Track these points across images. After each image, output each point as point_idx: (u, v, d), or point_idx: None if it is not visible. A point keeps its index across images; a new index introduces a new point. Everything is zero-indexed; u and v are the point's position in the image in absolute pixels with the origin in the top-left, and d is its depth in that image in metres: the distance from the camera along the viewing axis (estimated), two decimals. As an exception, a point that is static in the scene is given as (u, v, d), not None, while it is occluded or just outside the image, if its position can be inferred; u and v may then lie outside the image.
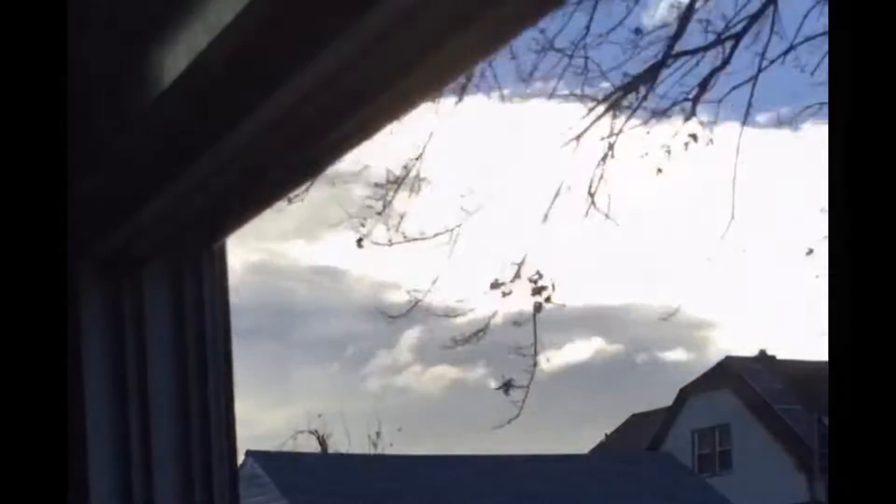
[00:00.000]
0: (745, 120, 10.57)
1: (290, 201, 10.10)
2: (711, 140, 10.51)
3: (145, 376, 1.68)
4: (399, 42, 1.17)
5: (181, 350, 1.70)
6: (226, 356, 1.72)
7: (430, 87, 1.33)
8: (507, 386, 11.76)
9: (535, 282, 10.77)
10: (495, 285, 10.89)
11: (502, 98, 10.50)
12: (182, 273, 1.72)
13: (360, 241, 11.01)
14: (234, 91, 1.32)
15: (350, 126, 1.33)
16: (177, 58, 1.43)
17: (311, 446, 32.17)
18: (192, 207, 1.55)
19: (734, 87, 10.44)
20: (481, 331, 11.58)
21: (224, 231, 1.68)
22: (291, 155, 1.40)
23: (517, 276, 10.82)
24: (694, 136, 10.37)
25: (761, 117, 16.58)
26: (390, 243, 11.03)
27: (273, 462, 24.77)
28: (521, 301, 11.08)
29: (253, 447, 25.15)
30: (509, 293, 10.94)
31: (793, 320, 39.79)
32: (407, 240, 11.05)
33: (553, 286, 10.77)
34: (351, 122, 1.33)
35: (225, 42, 1.28)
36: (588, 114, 10.39)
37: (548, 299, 10.84)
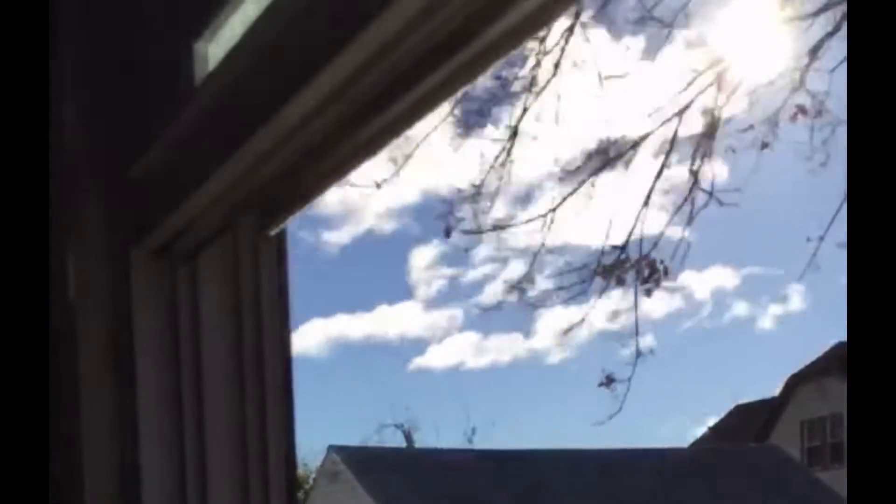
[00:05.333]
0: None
1: (378, 186, 10.17)
2: (821, 112, 10.27)
3: (200, 368, 1.69)
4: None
5: (238, 342, 1.71)
6: (285, 348, 1.72)
7: (499, 47, 1.31)
8: (608, 381, 11.67)
9: (647, 266, 10.63)
10: (604, 272, 10.77)
11: (599, 76, 10.38)
12: (239, 261, 1.73)
13: (448, 231, 11.00)
14: (283, 68, 1.32)
15: (408, 102, 1.32)
16: (225, 36, 1.44)
17: (397, 441, 32.43)
18: (246, 192, 1.55)
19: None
20: (582, 320, 11.50)
21: (282, 216, 1.68)
22: (344, 136, 1.39)
23: (620, 260, 10.71)
24: (802, 108, 10.15)
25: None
26: (479, 230, 11.01)
27: (355, 457, 24.98)
28: (625, 287, 10.95)
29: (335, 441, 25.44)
30: (618, 279, 10.82)
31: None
32: (497, 226, 11.02)
33: (665, 269, 10.63)
34: (409, 96, 1.31)
35: (270, 21, 1.29)
36: (689, 86, 10.24)
37: (657, 283, 10.70)
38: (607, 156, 10.76)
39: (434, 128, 9.91)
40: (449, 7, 1.16)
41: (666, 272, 10.67)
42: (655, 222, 10.85)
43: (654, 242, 10.77)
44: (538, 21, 1.21)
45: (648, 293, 10.88)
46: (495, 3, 1.16)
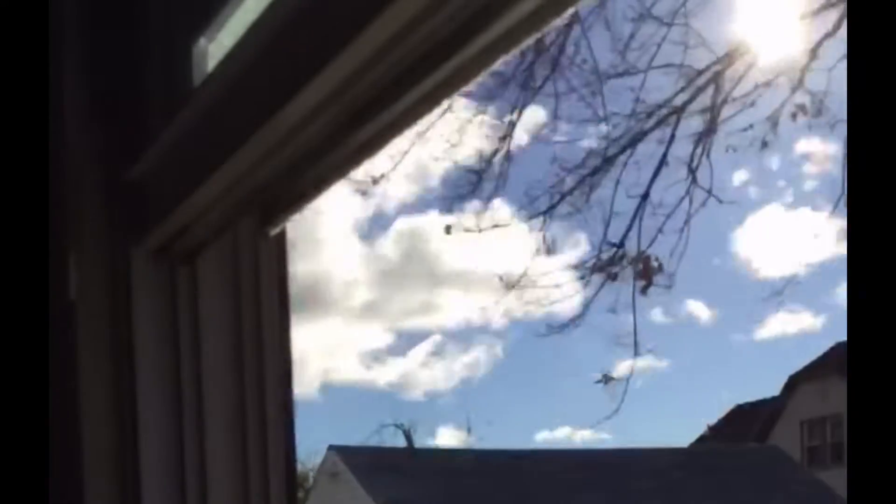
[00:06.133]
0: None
1: (375, 182, 10.18)
2: (820, 111, 10.25)
3: (200, 368, 1.69)
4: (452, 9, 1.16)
5: (238, 342, 1.71)
6: (285, 347, 1.72)
7: (499, 47, 1.31)
8: (605, 379, 11.66)
9: (642, 263, 10.62)
10: (597, 268, 10.76)
11: (597, 73, 10.37)
12: (239, 261, 1.73)
13: (448, 228, 11.00)
14: (282, 69, 1.32)
15: (407, 102, 1.32)
16: (221, 39, 1.45)
17: (397, 441, 32.41)
18: (246, 192, 1.55)
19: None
20: (578, 317, 11.50)
21: (282, 216, 1.68)
22: (343, 136, 1.39)
23: (617, 258, 10.71)
24: (802, 107, 10.14)
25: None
26: (479, 229, 11.00)
27: (355, 457, 24.97)
28: (623, 285, 10.94)
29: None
30: (611, 276, 10.81)
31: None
32: (496, 225, 11.02)
33: (659, 266, 10.63)
34: (408, 96, 1.31)
35: (269, 21, 1.30)
36: (688, 85, 10.23)
37: (651, 281, 10.69)
38: (606, 153, 10.76)
39: (432, 124, 9.91)
40: (447, 8, 1.16)
41: (660, 269, 10.68)
42: (654, 220, 10.85)
43: (651, 240, 10.77)
44: (537, 21, 1.21)
45: (644, 291, 10.88)
46: (494, 3, 1.17)
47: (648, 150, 10.80)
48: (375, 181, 10.38)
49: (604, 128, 10.72)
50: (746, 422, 33.54)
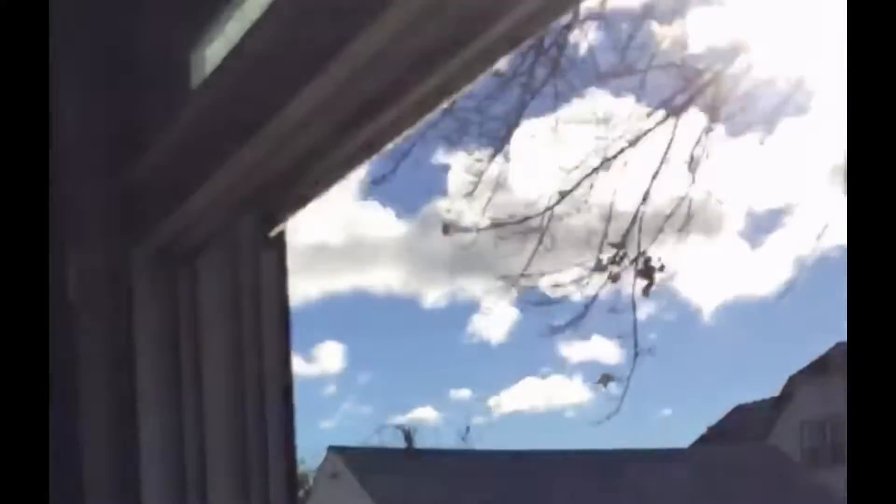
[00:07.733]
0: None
1: (377, 183, 10.17)
2: (822, 109, 10.25)
3: (200, 368, 1.69)
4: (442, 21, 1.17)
5: (237, 342, 1.70)
6: (284, 347, 1.72)
7: (483, 59, 1.31)
8: (605, 379, 11.62)
9: (643, 263, 10.59)
10: (599, 268, 10.73)
11: (596, 72, 10.35)
12: (239, 261, 1.73)
13: (446, 228, 10.98)
14: (281, 71, 1.32)
15: (406, 103, 1.32)
16: (221, 43, 1.45)
17: (397, 442, 32.36)
18: (245, 192, 1.55)
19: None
20: (579, 318, 11.46)
21: (280, 216, 1.68)
22: (343, 137, 1.39)
23: (618, 258, 10.68)
24: (800, 108, 10.14)
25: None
26: (477, 229, 10.98)
27: (355, 457, 24.96)
28: (623, 285, 10.92)
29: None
30: (613, 276, 10.78)
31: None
32: (495, 224, 11.00)
33: (661, 267, 10.61)
34: (407, 98, 1.31)
35: (268, 23, 1.30)
36: (688, 85, 10.22)
37: (652, 282, 10.67)
38: (605, 153, 10.75)
39: (433, 125, 9.90)
40: (444, 12, 1.16)
41: (662, 269, 10.65)
42: (654, 220, 10.83)
43: (651, 240, 10.75)
44: (535, 24, 1.21)
45: (645, 291, 10.86)
46: (491, 7, 1.17)
47: (648, 149, 10.78)
48: (377, 182, 10.38)
49: (603, 127, 10.70)
50: (746, 422, 33.52)
